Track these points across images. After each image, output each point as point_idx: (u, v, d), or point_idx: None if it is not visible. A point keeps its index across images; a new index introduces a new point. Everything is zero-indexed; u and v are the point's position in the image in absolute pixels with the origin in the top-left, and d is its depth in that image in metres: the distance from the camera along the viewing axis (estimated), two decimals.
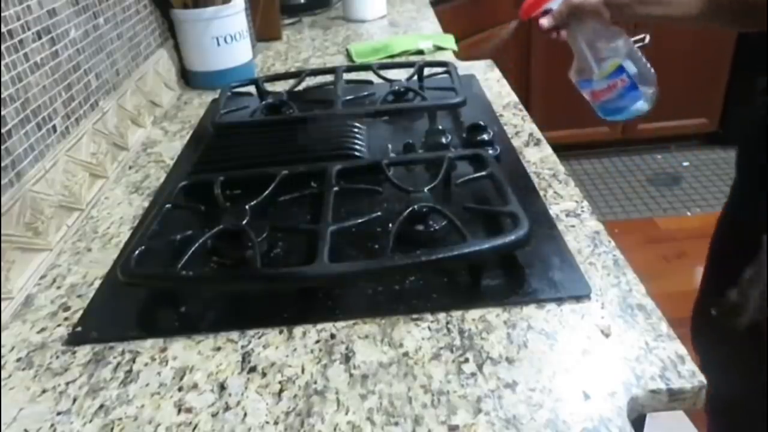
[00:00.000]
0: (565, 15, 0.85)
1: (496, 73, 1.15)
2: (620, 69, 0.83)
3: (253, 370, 0.52)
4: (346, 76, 1.06)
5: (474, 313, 0.56)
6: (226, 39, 1.19)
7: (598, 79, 0.85)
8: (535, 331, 0.54)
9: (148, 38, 1.12)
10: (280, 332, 0.56)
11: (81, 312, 0.61)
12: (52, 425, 0.49)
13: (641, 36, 0.93)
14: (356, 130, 0.86)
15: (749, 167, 0.63)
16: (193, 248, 0.61)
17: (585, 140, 2.63)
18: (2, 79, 0.67)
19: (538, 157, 0.82)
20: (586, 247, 0.64)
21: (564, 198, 0.73)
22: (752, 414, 0.79)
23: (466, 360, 0.51)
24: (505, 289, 0.59)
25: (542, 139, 0.87)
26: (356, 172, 0.75)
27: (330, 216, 0.64)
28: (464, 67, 1.15)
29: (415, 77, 1.04)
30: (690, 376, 0.48)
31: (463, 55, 1.34)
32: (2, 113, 0.67)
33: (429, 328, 0.55)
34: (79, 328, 0.59)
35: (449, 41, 1.34)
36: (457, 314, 0.56)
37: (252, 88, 1.06)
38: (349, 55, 1.34)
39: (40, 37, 0.76)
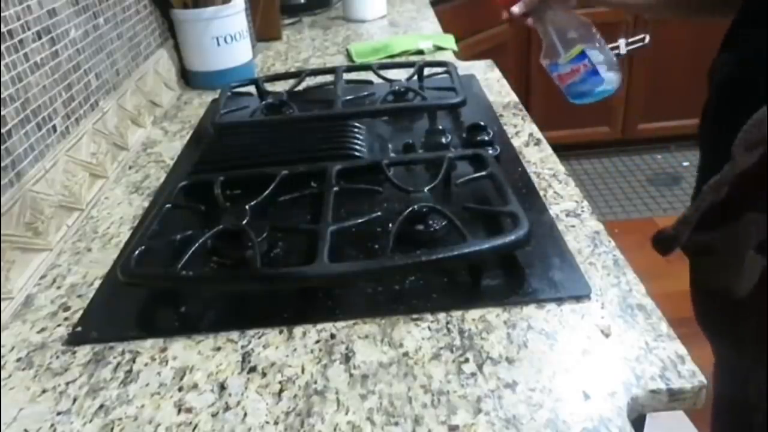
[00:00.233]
0: (536, 2, 0.90)
1: (496, 73, 1.15)
2: (582, 54, 0.87)
3: (253, 370, 0.52)
4: (346, 76, 1.06)
5: (474, 313, 0.56)
6: (226, 39, 1.19)
7: (563, 63, 0.89)
8: (535, 331, 0.54)
9: (148, 38, 1.12)
10: (280, 332, 0.56)
11: (81, 312, 0.61)
12: (52, 425, 0.49)
13: (641, 36, 0.93)
14: (356, 130, 0.86)
15: (712, 142, 0.66)
16: (193, 248, 0.61)
17: (585, 140, 2.63)
18: (2, 79, 0.67)
19: (538, 157, 0.82)
20: (586, 247, 0.64)
21: (564, 198, 0.73)
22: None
23: (466, 360, 0.51)
24: (505, 289, 0.59)
25: (542, 139, 0.87)
26: (356, 172, 0.75)
27: (330, 216, 0.64)
28: (464, 67, 1.15)
29: (415, 77, 1.04)
30: (690, 376, 0.48)
31: (463, 55, 1.34)
32: (2, 113, 0.67)
33: (429, 328, 0.55)
34: (79, 328, 0.59)
35: (449, 41, 1.34)
36: (457, 314, 0.56)
37: (252, 88, 1.06)
38: (349, 55, 1.34)
39: (40, 37, 0.76)
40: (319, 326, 0.56)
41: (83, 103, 0.85)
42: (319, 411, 0.48)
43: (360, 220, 0.65)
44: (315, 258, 0.57)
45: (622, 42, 0.94)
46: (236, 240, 0.64)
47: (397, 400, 0.48)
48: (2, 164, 0.66)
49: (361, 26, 1.56)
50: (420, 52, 1.30)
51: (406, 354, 0.52)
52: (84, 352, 0.56)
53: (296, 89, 1.07)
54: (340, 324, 0.56)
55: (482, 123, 0.86)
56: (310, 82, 1.11)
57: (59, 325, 0.60)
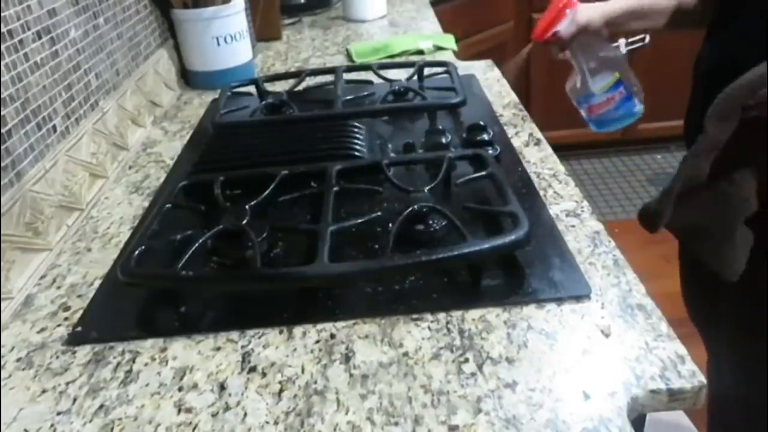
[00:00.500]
0: (574, 33, 0.91)
1: (496, 73, 1.15)
2: (618, 82, 0.88)
3: (253, 370, 0.52)
4: (346, 76, 1.06)
5: (474, 313, 0.56)
6: (226, 39, 1.19)
7: (599, 93, 0.90)
8: (535, 331, 0.54)
9: (148, 38, 1.12)
10: (280, 332, 0.56)
11: (81, 312, 0.61)
12: (52, 425, 0.49)
13: (641, 36, 0.93)
14: (356, 130, 0.86)
15: (696, 135, 0.67)
16: (193, 248, 0.61)
17: (585, 140, 2.63)
18: (2, 79, 0.67)
19: (538, 157, 0.82)
20: (586, 247, 0.64)
21: (564, 198, 0.73)
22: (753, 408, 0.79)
23: (466, 360, 0.51)
24: (505, 289, 0.59)
25: (542, 139, 0.87)
26: (356, 172, 0.75)
27: (330, 216, 0.64)
28: (464, 67, 1.15)
29: (415, 77, 1.04)
30: (690, 376, 0.48)
31: (463, 55, 1.34)
32: (2, 113, 0.67)
33: (429, 328, 0.55)
34: (79, 328, 0.59)
35: (449, 41, 1.34)
36: (457, 314, 0.56)
37: (252, 88, 1.06)
38: (349, 55, 1.34)
39: (40, 37, 0.76)
40: (319, 326, 0.56)
41: (83, 103, 0.85)
42: (319, 411, 0.48)
43: (360, 220, 0.65)
44: (315, 258, 0.57)
45: (622, 42, 0.94)
46: (236, 240, 0.64)
47: (397, 400, 0.48)
48: (2, 164, 0.66)
49: (361, 26, 1.56)
50: (420, 52, 1.30)
51: (406, 354, 0.52)
52: (84, 352, 0.56)
53: (296, 89, 1.07)
54: (340, 324, 0.56)
55: (482, 123, 0.86)
56: (310, 82, 1.11)
57: (59, 325, 0.60)
